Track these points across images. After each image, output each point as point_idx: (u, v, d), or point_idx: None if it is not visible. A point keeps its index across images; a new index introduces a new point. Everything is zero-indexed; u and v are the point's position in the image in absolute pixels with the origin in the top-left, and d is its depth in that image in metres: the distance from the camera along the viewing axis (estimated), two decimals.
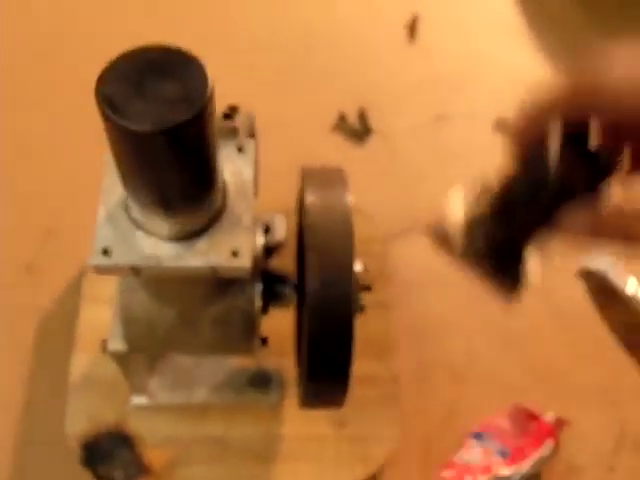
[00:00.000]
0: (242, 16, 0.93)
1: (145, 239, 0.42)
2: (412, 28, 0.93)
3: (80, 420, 0.62)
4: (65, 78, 0.86)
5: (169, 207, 0.40)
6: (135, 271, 0.42)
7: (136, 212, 0.42)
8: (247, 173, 0.46)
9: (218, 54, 0.87)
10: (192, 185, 0.39)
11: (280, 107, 0.84)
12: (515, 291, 0.40)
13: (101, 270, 0.42)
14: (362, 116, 0.85)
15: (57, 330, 0.69)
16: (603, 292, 0.75)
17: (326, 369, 0.49)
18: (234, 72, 0.86)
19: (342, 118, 0.85)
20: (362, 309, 0.55)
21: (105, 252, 0.41)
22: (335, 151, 0.84)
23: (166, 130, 0.34)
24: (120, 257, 0.41)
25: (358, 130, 0.84)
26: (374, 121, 0.85)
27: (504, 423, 0.66)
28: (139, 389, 0.61)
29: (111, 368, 0.58)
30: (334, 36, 0.92)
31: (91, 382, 0.64)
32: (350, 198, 0.51)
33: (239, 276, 0.43)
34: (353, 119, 0.85)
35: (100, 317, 0.61)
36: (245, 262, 0.42)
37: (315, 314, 0.47)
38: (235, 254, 0.42)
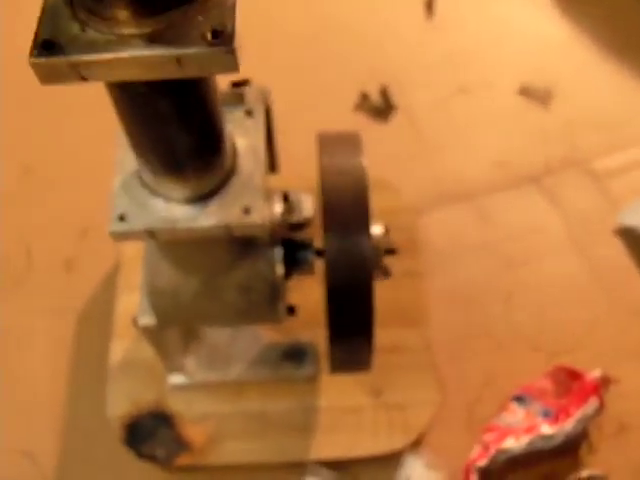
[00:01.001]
0: None
1: (159, 203, 0.43)
2: (429, 5, 0.93)
3: (121, 402, 0.63)
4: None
5: (177, 168, 0.41)
6: (150, 234, 0.43)
7: (148, 178, 0.43)
8: (257, 135, 0.46)
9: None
10: (195, 141, 0.40)
11: (301, 89, 0.85)
12: None
13: (118, 236, 0.43)
14: (384, 93, 0.85)
15: (95, 321, 0.71)
16: None
17: (348, 328, 0.49)
18: (254, 56, 0.87)
19: (364, 97, 0.85)
20: (387, 273, 0.55)
21: (121, 218, 0.42)
22: (359, 130, 0.83)
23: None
24: (135, 222, 0.42)
25: (381, 107, 0.84)
26: (396, 98, 0.85)
27: (546, 384, 0.65)
28: (175, 368, 0.62)
29: (148, 351, 0.59)
30: (352, 16, 0.92)
31: (130, 366, 0.65)
32: (364, 158, 0.51)
33: (253, 234, 0.44)
34: (375, 97, 0.85)
35: (135, 304, 0.62)
36: (256, 218, 0.42)
37: (332, 273, 0.47)
38: (247, 211, 0.43)
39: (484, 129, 0.83)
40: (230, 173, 0.44)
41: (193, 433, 0.62)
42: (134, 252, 0.71)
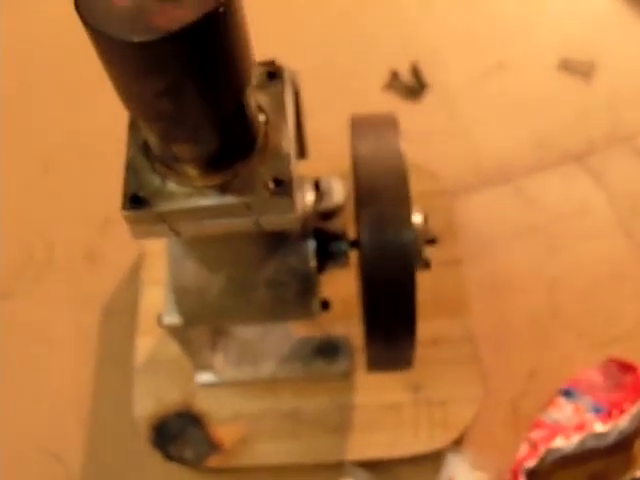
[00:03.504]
0: None
1: (174, 186, 0.39)
2: None
3: (148, 402, 0.61)
4: None
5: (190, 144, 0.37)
6: (161, 217, 0.39)
7: (158, 155, 0.39)
8: (285, 101, 0.41)
9: (264, 14, 0.85)
10: (213, 115, 0.35)
11: (328, 68, 0.81)
12: None
13: (131, 219, 0.39)
14: (415, 71, 0.81)
15: (120, 315, 0.69)
16: None
17: (388, 325, 0.45)
18: (281, 35, 0.84)
19: (395, 75, 0.81)
20: (427, 264, 0.51)
21: (134, 200, 0.39)
22: (391, 110, 0.80)
23: (167, 38, 0.29)
24: (149, 204, 0.38)
25: (412, 86, 0.80)
26: (429, 75, 0.81)
27: (596, 377, 0.61)
28: (203, 366, 0.59)
29: (175, 348, 0.56)
30: None
31: (156, 363, 0.63)
32: (402, 142, 0.48)
33: (284, 226, 0.40)
34: (406, 75, 0.81)
35: (160, 299, 0.60)
36: (288, 192, 0.38)
37: (370, 266, 0.44)
38: (276, 184, 0.38)
39: (523, 106, 0.79)
40: (251, 146, 0.40)
41: (223, 433, 0.59)
42: (157, 244, 0.68)
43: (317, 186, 0.53)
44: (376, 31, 0.85)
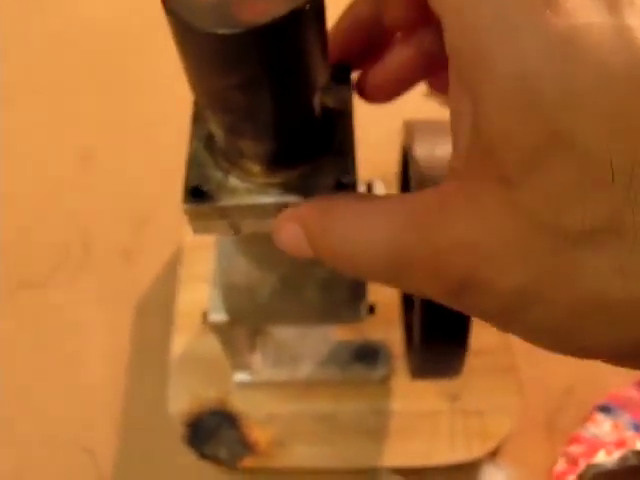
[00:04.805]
0: None
1: (237, 181, 0.39)
2: None
3: (183, 399, 0.61)
4: (161, 64, 0.85)
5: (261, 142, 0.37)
6: (224, 212, 0.38)
7: (223, 149, 0.39)
8: (351, 103, 0.41)
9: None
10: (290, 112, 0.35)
11: None
12: None
13: (192, 213, 0.39)
14: None
15: (156, 313, 0.68)
16: None
17: (442, 331, 0.45)
18: None
19: None
20: None
21: (195, 193, 0.38)
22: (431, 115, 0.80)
23: (256, 31, 0.28)
24: (211, 198, 0.38)
25: None
26: None
27: (634, 394, 0.60)
28: (241, 366, 0.59)
29: (212, 346, 0.56)
30: None
31: (192, 361, 0.62)
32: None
33: None
34: None
35: (197, 296, 0.60)
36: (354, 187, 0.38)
37: None
38: (339, 185, 0.38)
39: None
40: (314, 145, 0.40)
41: (258, 434, 0.59)
42: (196, 242, 0.68)
43: (369, 188, 0.53)
44: None
